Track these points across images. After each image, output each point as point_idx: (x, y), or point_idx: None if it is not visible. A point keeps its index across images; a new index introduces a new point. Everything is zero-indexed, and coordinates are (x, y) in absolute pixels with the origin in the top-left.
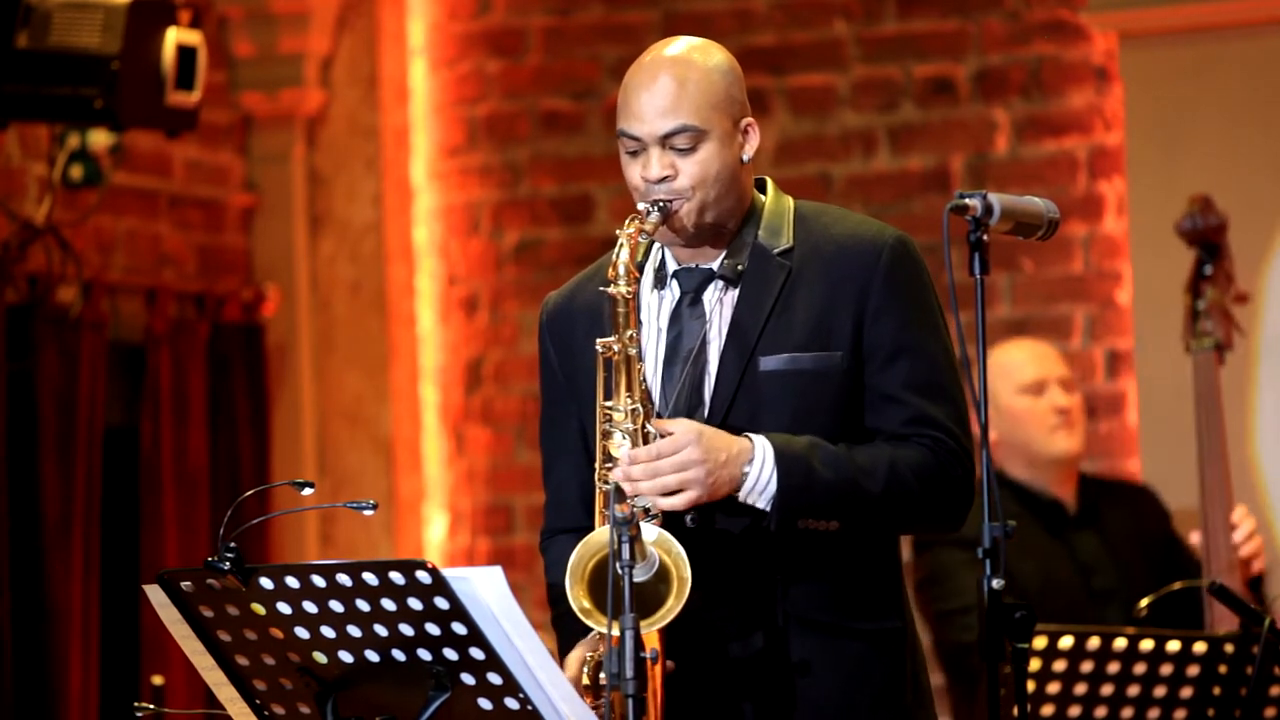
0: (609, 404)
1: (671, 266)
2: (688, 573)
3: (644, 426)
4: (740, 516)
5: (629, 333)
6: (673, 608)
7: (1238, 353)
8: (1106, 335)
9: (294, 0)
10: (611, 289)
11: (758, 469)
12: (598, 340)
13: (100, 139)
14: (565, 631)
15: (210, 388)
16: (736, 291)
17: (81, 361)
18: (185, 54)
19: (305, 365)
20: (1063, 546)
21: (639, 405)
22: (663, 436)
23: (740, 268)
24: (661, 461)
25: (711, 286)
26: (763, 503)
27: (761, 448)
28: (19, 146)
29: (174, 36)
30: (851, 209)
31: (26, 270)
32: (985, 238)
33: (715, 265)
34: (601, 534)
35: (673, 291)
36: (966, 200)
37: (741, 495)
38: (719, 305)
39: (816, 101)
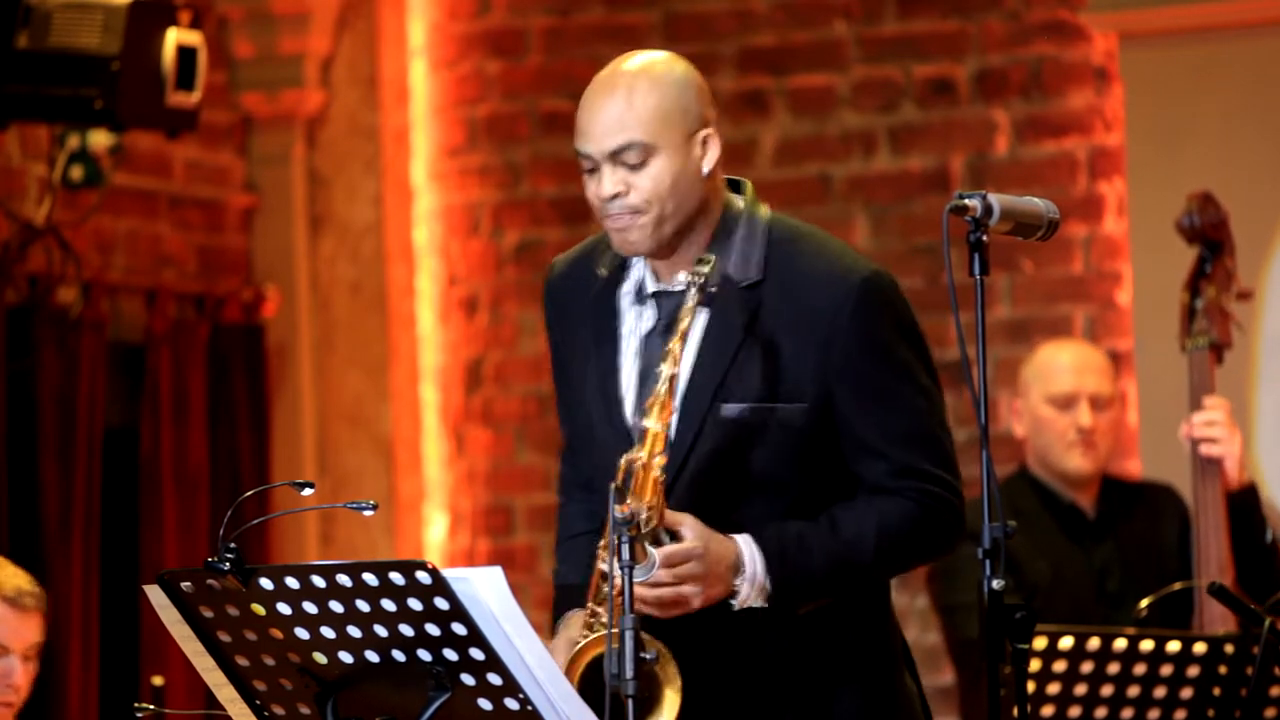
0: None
1: (650, 286)
2: (678, 678)
3: (654, 533)
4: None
5: (658, 458)
6: (671, 707)
7: (1238, 351)
8: (1106, 336)
9: (294, 1)
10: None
11: (749, 577)
12: (624, 456)
13: (100, 139)
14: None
15: (210, 388)
16: (705, 316)
17: (81, 362)
18: (185, 54)
19: (305, 366)
20: (1078, 549)
21: (649, 513)
22: (672, 536)
23: (712, 289)
24: (661, 572)
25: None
26: (759, 603)
27: (750, 556)
28: (19, 147)
29: (174, 37)
30: (852, 210)
31: (27, 271)
32: (985, 238)
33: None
34: (589, 643)
35: (650, 311)
36: (966, 201)
37: (737, 604)
38: (690, 331)
39: (817, 102)
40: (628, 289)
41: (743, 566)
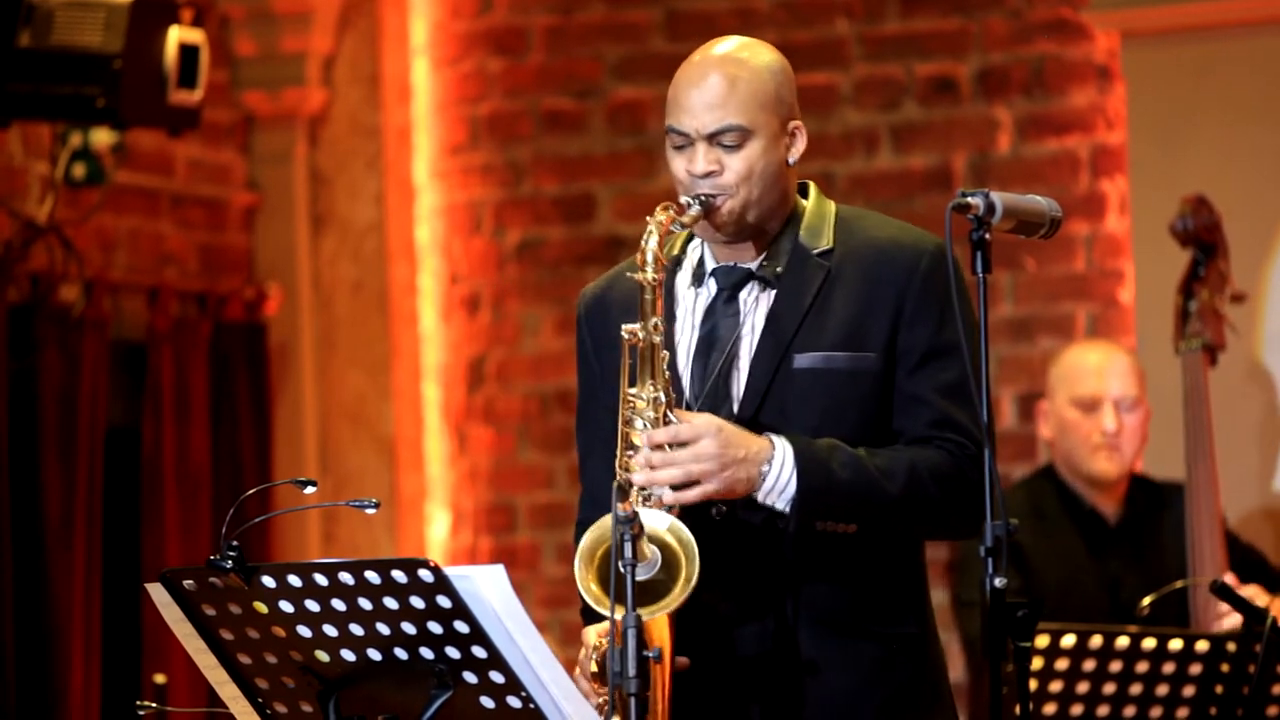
0: (632, 391)
1: (710, 264)
2: (696, 570)
3: (665, 415)
4: (762, 512)
5: (654, 320)
6: (676, 597)
7: (1239, 352)
8: (1109, 334)
9: None
10: (638, 275)
11: (777, 469)
12: (623, 327)
13: (102, 138)
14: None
15: (212, 387)
16: (773, 292)
17: (83, 361)
18: (187, 53)
19: (307, 364)
20: (1094, 556)
21: (661, 394)
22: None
23: (778, 270)
24: (678, 451)
25: (748, 286)
26: (781, 503)
27: (781, 448)
28: (21, 145)
29: (176, 35)
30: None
31: (29, 269)
32: (987, 236)
33: (754, 266)
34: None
35: (709, 289)
36: (969, 199)
37: (760, 495)
38: (755, 304)
39: (819, 100)
40: (684, 273)
41: (772, 455)
